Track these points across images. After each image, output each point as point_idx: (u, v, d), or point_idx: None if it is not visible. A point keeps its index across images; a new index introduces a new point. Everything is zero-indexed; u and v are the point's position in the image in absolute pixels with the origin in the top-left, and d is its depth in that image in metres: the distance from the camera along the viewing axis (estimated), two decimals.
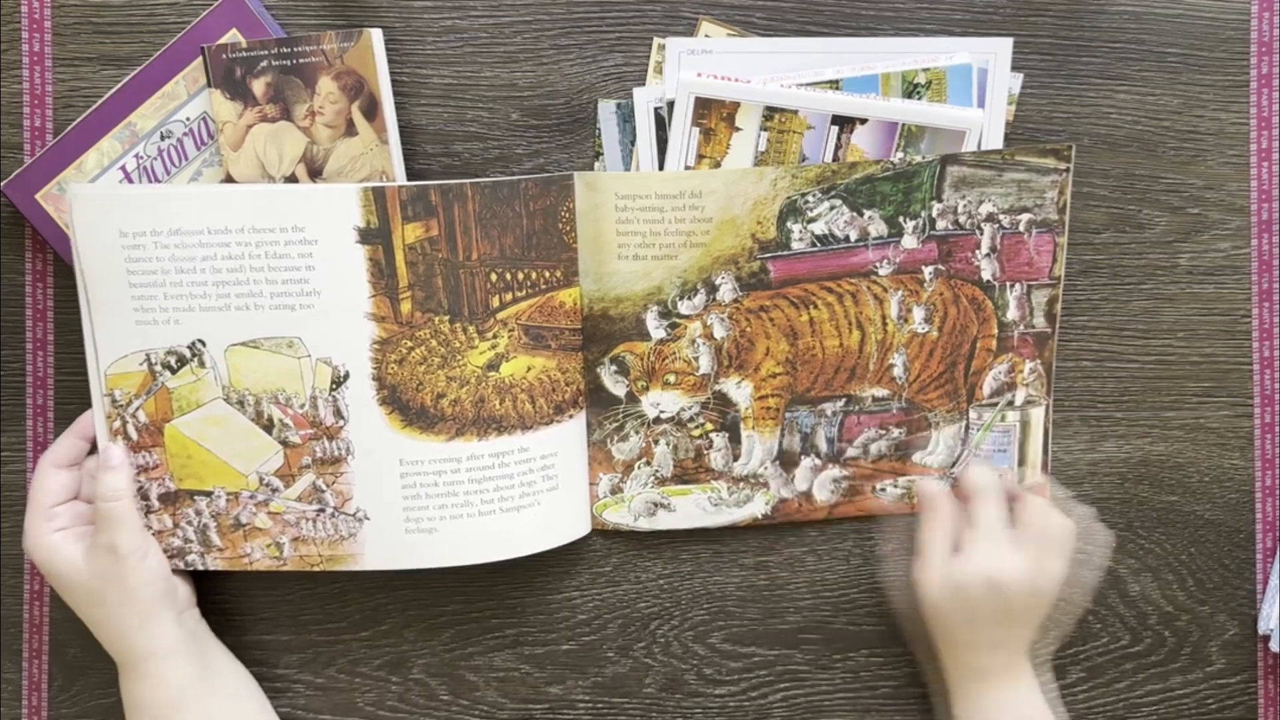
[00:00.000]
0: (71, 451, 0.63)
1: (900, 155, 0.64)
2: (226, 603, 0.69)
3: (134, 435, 0.64)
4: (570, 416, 0.66)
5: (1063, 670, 0.70)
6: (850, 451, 0.68)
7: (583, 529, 0.68)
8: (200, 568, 0.65)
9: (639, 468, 0.68)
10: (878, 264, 0.66)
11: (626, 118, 0.66)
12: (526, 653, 0.70)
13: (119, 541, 0.60)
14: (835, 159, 0.65)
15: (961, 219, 0.65)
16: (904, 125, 0.64)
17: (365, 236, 0.61)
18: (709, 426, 0.67)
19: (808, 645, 0.70)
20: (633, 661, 0.70)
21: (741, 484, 0.68)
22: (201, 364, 0.63)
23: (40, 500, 0.62)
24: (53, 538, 0.61)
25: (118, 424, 0.63)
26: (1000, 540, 0.63)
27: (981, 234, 0.66)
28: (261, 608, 0.69)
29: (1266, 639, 0.70)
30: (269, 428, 0.64)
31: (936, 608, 0.63)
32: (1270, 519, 0.70)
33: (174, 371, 0.63)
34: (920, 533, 0.65)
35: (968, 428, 0.68)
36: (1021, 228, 0.66)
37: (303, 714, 0.69)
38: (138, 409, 0.63)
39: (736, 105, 0.64)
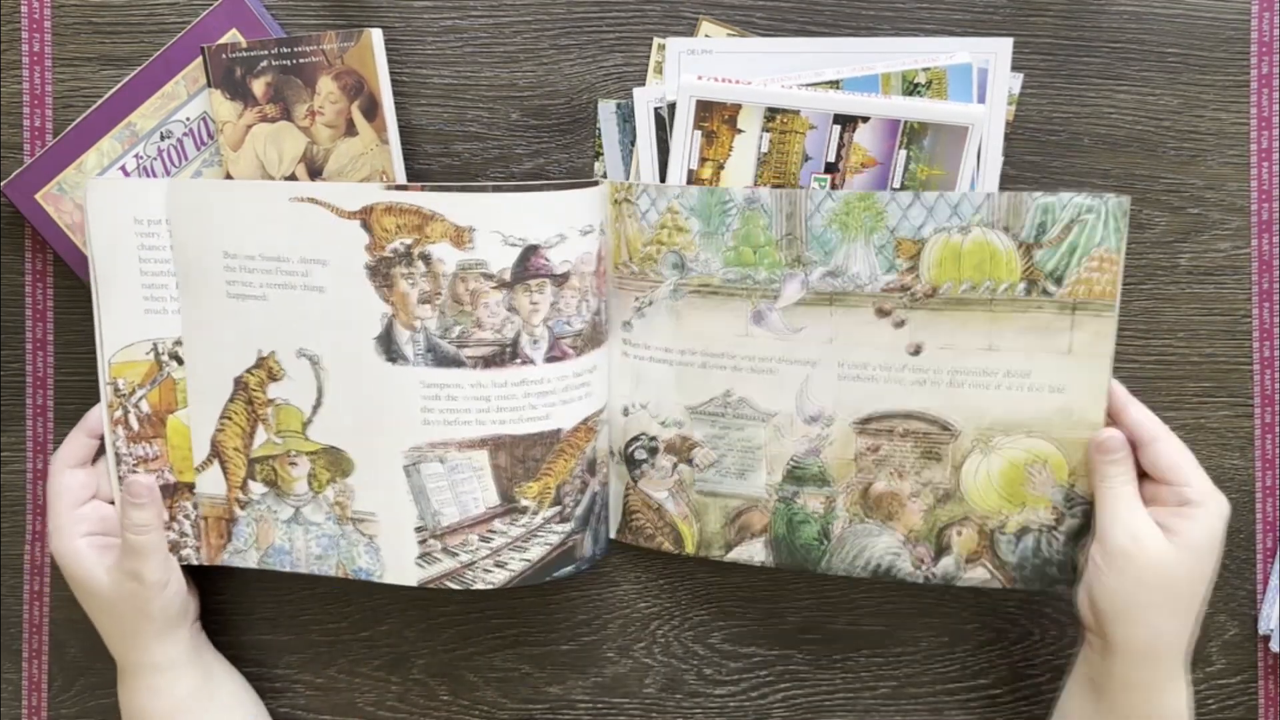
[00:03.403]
0: (82, 450, 0.63)
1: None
2: (226, 603, 0.69)
3: (135, 425, 0.63)
4: None
5: (1064, 671, 0.70)
6: None
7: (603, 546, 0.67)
8: (195, 563, 0.65)
9: None
10: None
11: (626, 118, 0.66)
12: (526, 653, 0.70)
13: (144, 571, 0.61)
14: (838, 158, 0.65)
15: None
16: (906, 123, 0.64)
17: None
18: None
19: (808, 645, 0.70)
20: (633, 661, 0.70)
21: None
22: None
23: (61, 502, 0.62)
24: (78, 543, 0.61)
25: (119, 413, 0.63)
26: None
27: None
28: (262, 608, 0.69)
29: (1267, 639, 0.70)
30: None
31: (1153, 586, 0.56)
32: (1270, 519, 0.70)
33: (181, 362, 0.63)
34: (1126, 489, 0.58)
35: None
36: None
37: (303, 714, 0.69)
38: (141, 399, 0.63)
39: (738, 107, 0.64)
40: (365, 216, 0.60)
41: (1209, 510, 0.57)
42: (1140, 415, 0.60)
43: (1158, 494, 0.59)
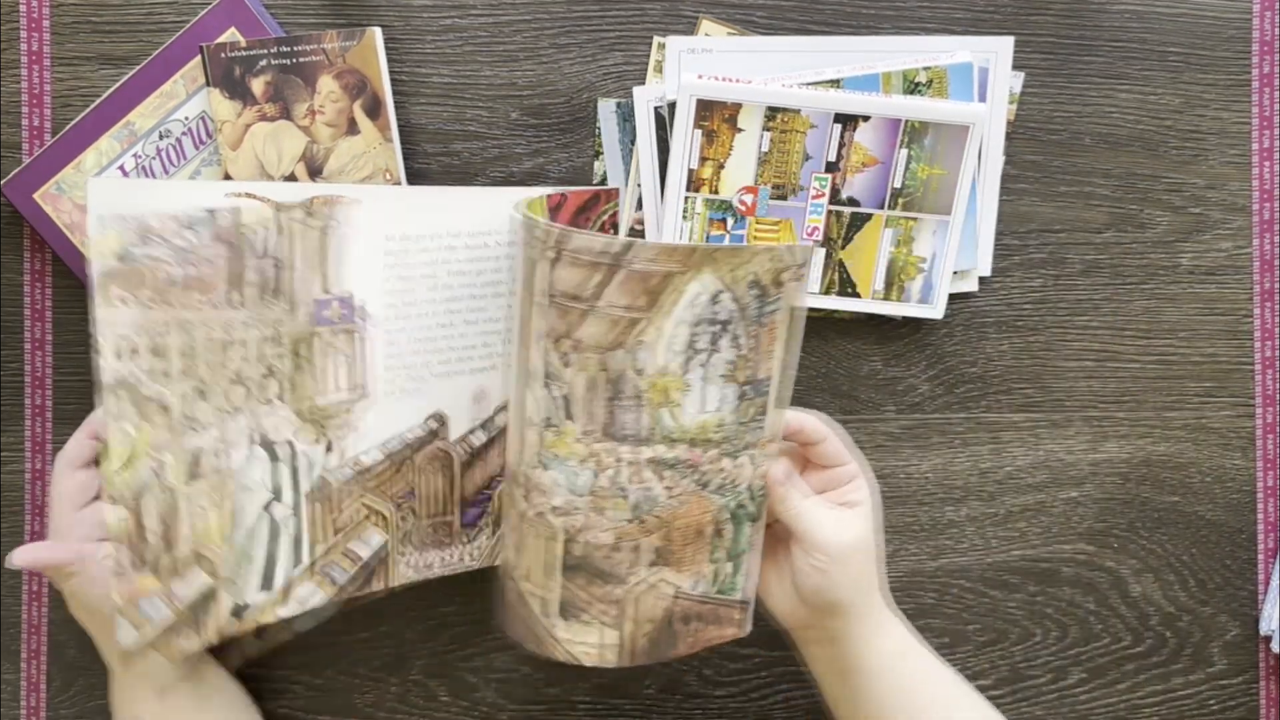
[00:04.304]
0: (85, 450, 0.63)
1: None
2: None
3: None
4: None
5: (1064, 671, 0.70)
6: None
7: None
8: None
9: None
10: None
11: (626, 117, 0.66)
12: (526, 653, 0.69)
13: (98, 606, 0.60)
14: (839, 157, 0.65)
15: None
16: (907, 122, 0.64)
17: None
18: None
19: None
20: None
21: None
22: None
23: (62, 504, 0.61)
24: (78, 548, 0.61)
25: None
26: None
27: None
28: None
29: (1268, 640, 0.70)
30: None
31: (855, 556, 0.59)
32: (1272, 519, 0.70)
33: None
34: (806, 500, 0.60)
35: None
36: None
37: (302, 715, 0.69)
38: None
39: (738, 106, 0.64)
40: (305, 209, 0.61)
41: (862, 476, 0.61)
42: (808, 422, 0.61)
43: (824, 479, 0.61)
